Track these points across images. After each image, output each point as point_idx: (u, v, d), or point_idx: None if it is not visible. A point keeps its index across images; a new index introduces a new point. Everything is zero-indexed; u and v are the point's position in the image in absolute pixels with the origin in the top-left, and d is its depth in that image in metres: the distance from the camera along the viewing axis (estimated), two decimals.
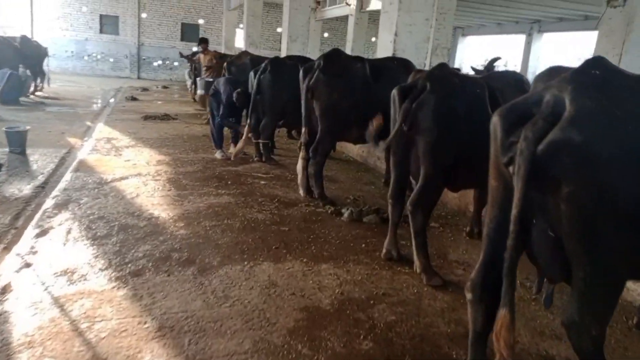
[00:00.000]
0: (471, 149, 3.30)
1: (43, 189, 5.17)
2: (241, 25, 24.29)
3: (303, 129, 5.17)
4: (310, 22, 14.03)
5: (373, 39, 26.87)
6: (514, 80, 3.88)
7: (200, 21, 25.37)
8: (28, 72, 12.49)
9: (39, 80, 13.29)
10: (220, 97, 7.02)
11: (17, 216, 4.34)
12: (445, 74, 3.43)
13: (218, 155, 7.13)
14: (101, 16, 23.02)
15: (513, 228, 1.84)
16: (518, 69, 21.33)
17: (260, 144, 6.96)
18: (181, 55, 14.73)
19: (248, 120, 6.66)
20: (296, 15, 12.04)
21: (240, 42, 23.93)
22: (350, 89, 4.91)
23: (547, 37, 21.57)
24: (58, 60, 21.83)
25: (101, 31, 23.23)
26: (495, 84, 3.51)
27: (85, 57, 23.00)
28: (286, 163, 7.16)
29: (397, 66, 5.39)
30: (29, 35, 17.98)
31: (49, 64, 13.61)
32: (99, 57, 22.91)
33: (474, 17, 21.64)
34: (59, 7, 21.95)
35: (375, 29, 29.71)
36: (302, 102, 5.07)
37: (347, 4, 17.91)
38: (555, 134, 1.73)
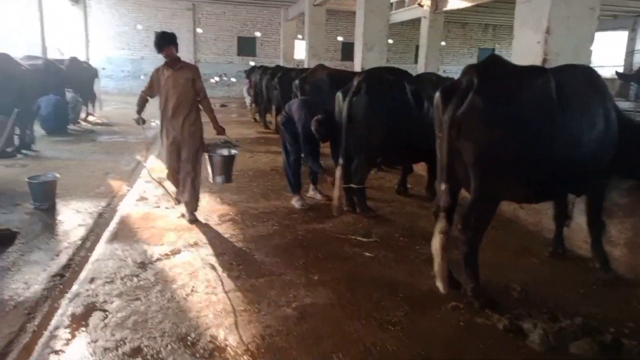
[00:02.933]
0: None
1: (61, 278, 3.58)
2: (299, 36, 22.82)
3: (442, 186, 3.28)
4: None
5: (443, 43, 24.62)
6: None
7: (257, 34, 24.18)
8: (78, 96, 11.43)
9: (90, 105, 12.27)
10: (294, 126, 5.28)
11: (5, 352, 2.70)
12: None
13: (296, 204, 5.38)
14: (156, 33, 22.24)
15: None
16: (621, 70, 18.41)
17: (353, 190, 5.15)
18: None
19: (340, 160, 4.88)
20: (372, 19, 10.13)
21: (299, 53, 22.47)
22: (528, 121, 3.00)
23: None
24: (115, 80, 21.26)
25: None
26: None
27: (142, 77, 22.25)
28: (386, 212, 5.30)
29: (582, 80, 3.43)
30: (84, 55, 17.33)
31: (99, 86, 12.44)
32: None
33: None
34: (114, 25, 21.39)
35: (447, 32, 27.46)
36: (440, 143, 3.20)
37: (419, 5, 15.99)
38: None
